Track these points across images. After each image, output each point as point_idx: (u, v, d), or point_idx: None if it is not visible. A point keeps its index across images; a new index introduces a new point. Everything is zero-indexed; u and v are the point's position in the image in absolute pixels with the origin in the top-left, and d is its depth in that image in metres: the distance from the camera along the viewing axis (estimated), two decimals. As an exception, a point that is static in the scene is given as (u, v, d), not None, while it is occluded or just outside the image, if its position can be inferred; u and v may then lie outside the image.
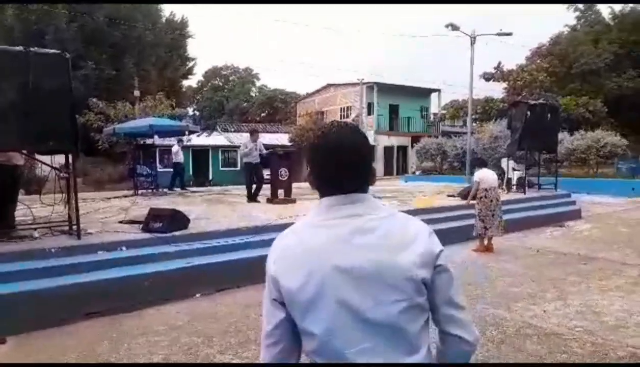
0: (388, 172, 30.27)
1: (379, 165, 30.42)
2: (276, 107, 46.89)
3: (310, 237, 1.12)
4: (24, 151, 5.72)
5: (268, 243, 4.72)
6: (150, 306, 4.71)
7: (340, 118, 33.36)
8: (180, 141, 14.92)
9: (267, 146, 10.14)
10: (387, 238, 1.09)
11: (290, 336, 1.14)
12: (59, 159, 5.66)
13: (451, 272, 1.15)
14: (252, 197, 9.81)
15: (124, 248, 5.28)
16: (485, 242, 7.34)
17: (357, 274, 1.06)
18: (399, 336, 1.08)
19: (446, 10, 69.99)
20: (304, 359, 1.18)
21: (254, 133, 10.08)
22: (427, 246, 1.11)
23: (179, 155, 14.33)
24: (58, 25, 23.89)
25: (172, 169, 14.53)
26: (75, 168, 5.56)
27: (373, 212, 1.13)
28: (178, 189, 13.84)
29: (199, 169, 25.26)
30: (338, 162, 1.13)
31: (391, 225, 1.12)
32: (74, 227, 5.38)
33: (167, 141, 20.39)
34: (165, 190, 13.05)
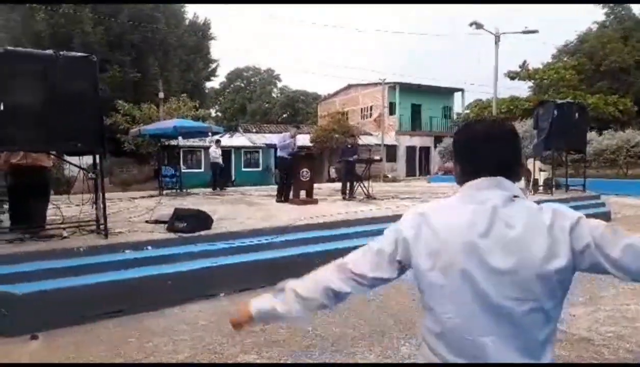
0: (410, 172, 30.04)
1: (400, 166, 30.22)
2: (297, 108, 47.09)
3: (455, 216, 1.17)
4: (53, 152, 5.87)
5: (291, 243, 4.78)
6: (174, 305, 4.76)
7: (362, 119, 33.27)
8: (218, 142, 15.36)
9: (283, 146, 10.18)
10: (522, 230, 1.11)
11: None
12: (87, 159, 5.78)
13: (589, 221, 1.17)
14: (282, 197, 9.85)
15: (149, 248, 5.36)
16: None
17: (493, 265, 1.10)
18: (524, 337, 1.10)
19: (470, 9, 69.07)
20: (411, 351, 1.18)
21: (294, 130, 10.57)
22: (555, 229, 1.11)
23: (216, 156, 14.80)
24: (84, 29, 24.44)
25: (211, 170, 15.12)
26: (103, 169, 5.67)
27: (512, 200, 1.17)
28: (227, 188, 14.31)
29: (222, 170, 25.51)
30: (488, 147, 1.22)
31: (527, 216, 1.14)
32: (102, 226, 5.48)
33: (190, 142, 20.70)
34: (186, 190, 13.23)
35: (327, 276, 1.33)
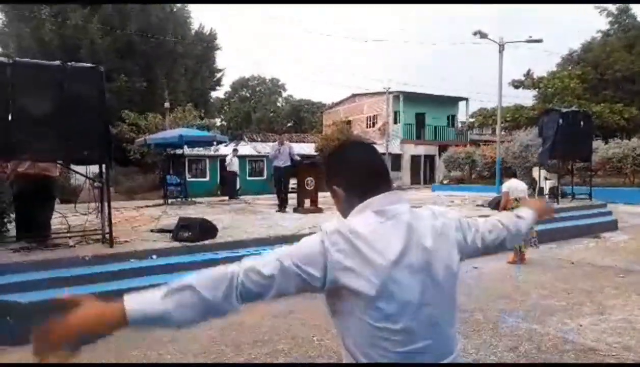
0: (415, 181, 30.01)
1: (405, 174, 30.19)
2: (302, 117, 47.29)
3: (381, 238, 1.16)
4: (60, 161, 5.92)
5: (297, 253, 4.58)
6: (179, 314, 4.75)
7: (367, 127, 33.36)
8: (235, 150, 15.48)
9: (274, 155, 10.21)
10: (434, 234, 1.23)
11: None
12: (93, 169, 5.82)
13: (459, 219, 1.37)
14: (281, 207, 9.88)
15: (154, 256, 5.38)
16: (518, 253, 7.14)
17: (424, 274, 1.18)
18: (449, 333, 1.25)
19: (474, 18, 69.32)
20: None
21: (281, 136, 10.66)
22: (449, 229, 1.29)
23: (233, 165, 14.86)
24: (92, 39, 24.73)
25: (227, 179, 15.63)
26: (109, 178, 5.71)
27: (415, 209, 1.28)
28: (241, 197, 14.51)
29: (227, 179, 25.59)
30: (376, 163, 1.31)
31: (432, 218, 1.28)
32: (107, 235, 5.50)
33: (195, 151, 20.80)
34: (191, 199, 13.26)
35: None
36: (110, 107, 16.43)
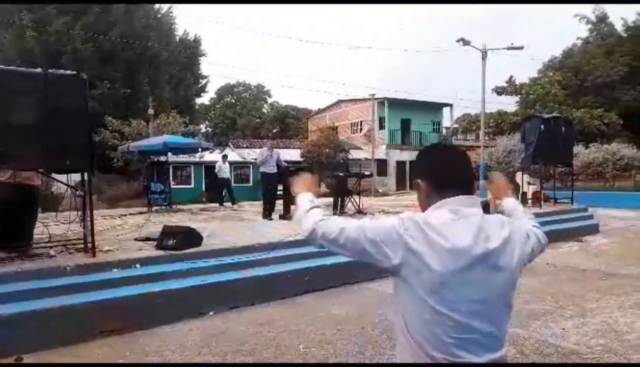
0: (400, 187, 30.15)
1: (391, 180, 30.35)
2: (288, 123, 47.27)
3: (451, 230, 1.28)
4: (41, 170, 5.82)
5: (282, 260, 4.77)
6: (164, 324, 4.71)
7: (352, 133, 33.48)
8: (225, 157, 15.42)
9: (262, 162, 10.17)
10: (500, 242, 1.33)
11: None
12: (75, 177, 5.74)
13: (528, 230, 1.60)
14: (267, 214, 9.85)
15: (138, 265, 5.30)
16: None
17: (484, 277, 1.28)
18: (499, 332, 1.34)
19: (457, 26, 70.23)
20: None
21: (269, 142, 10.49)
22: (517, 238, 1.41)
23: (224, 171, 14.78)
24: (75, 46, 24.45)
25: (219, 186, 15.48)
26: (91, 186, 5.63)
27: (491, 218, 1.38)
28: (228, 204, 14.37)
29: (212, 186, 25.43)
30: (461, 169, 1.43)
31: (500, 226, 1.37)
32: (89, 244, 5.42)
33: (180, 158, 20.64)
34: (176, 206, 13.13)
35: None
36: (93, 114, 16.24)
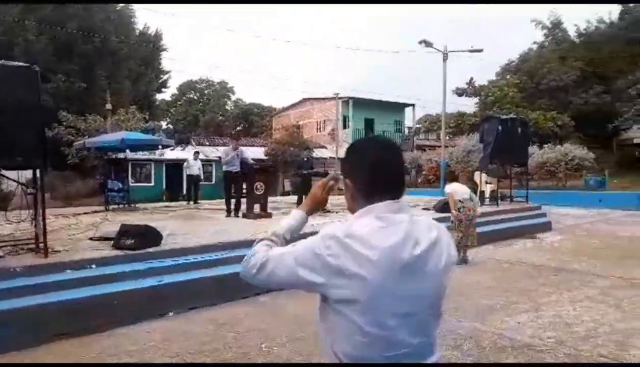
0: (364, 185, 30.39)
1: (354, 179, 30.54)
2: (252, 121, 46.84)
3: (376, 248, 1.17)
4: (-11, 166, 5.53)
5: (243, 259, 4.57)
6: (121, 326, 4.56)
7: (317, 131, 33.54)
8: (197, 153, 15.21)
9: (227, 161, 10.05)
10: (434, 253, 1.25)
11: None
12: (27, 173, 5.48)
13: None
14: (230, 212, 9.72)
15: (93, 266, 5.12)
16: (461, 253, 7.40)
17: (414, 289, 1.20)
18: (429, 342, 1.27)
19: (421, 28, 71.53)
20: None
21: (235, 141, 10.33)
22: (444, 242, 1.30)
23: (192, 168, 14.48)
24: (27, 38, 23.36)
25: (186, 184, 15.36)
26: (43, 183, 5.39)
27: (415, 221, 1.27)
28: (191, 203, 14.12)
29: (173, 184, 24.89)
30: (391, 170, 1.30)
31: (428, 230, 1.27)
32: (41, 244, 5.19)
33: (139, 155, 20.09)
34: (134, 205, 12.78)
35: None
36: (47, 108, 15.56)
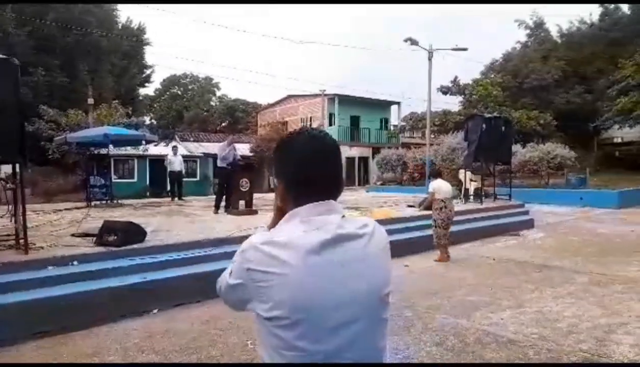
0: (350, 183, 30.49)
1: (340, 176, 30.61)
2: (237, 117, 46.53)
3: (298, 256, 1.05)
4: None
5: (229, 255, 4.59)
6: (103, 324, 4.49)
7: (302, 129, 33.44)
8: (175, 148, 15.01)
9: (224, 156, 10.01)
10: (366, 254, 1.12)
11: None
12: (6, 168, 5.36)
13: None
14: (219, 208, 9.65)
15: (75, 263, 5.03)
16: (445, 251, 7.47)
17: (341, 295, 1.06)
18: (376, 352, 1.13)
19: (407, 27, 71.83)
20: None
21: (231, 136, 10.48)
22: (389, 262, 1.18)
23: (173, 164, 14.27)
24: (5, 30, 22.86)
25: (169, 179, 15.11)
26: (23, 179, 5.28)
27: (346, 222, 1.13)
28: (176, 199, 13.96)
29: (156, 180, 24.61)
30: (320, 168, 1.15)
31: (365, 242, 1.13)
32: (21, 241, 5.09)
33: (122, 150, 19.82)
34: (117, 201, 12.61)
35: None
36: (26, 102, 15.24)
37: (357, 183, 30.65)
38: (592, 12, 32.26)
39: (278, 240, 1.07)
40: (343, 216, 1.15)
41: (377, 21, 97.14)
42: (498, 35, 66.00)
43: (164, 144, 25.76)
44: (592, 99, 29.84)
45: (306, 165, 1.14)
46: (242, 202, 9.59)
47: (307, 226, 1.09)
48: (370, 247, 1.13)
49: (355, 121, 32.47)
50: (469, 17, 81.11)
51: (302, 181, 1.14)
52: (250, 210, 9.48)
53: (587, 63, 31.01)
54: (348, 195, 16.91)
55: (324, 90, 29.69)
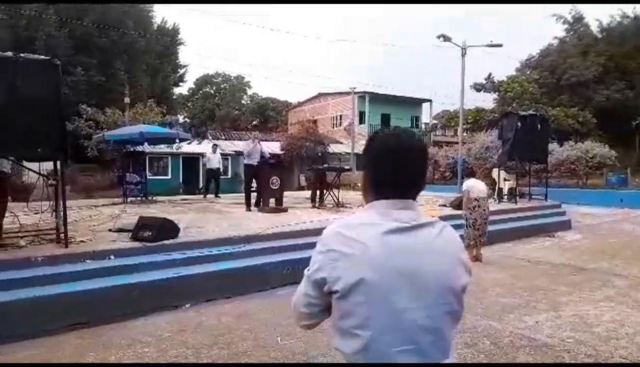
0: (379, 181, 30.29)
1: (370, 175, 30.46)
2: (268, 116, 46.95)
3: (371, 238, 1.15)
4: (12, 158, 5.63)
5: (259, 252, 4.71)
6: (138, 317, 4.63)
7: (333, 127, 33.47)
8: (215, 146, 15.33)
9: (249, 153, 10.10)
10: (435, 246, 1.19)
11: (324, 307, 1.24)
12: (47, 165, 5.57)
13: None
14: (250, 206, 9.75)
15: (112, 257, 5.19)
16: (474, 252, 7.29)
17: (411, 279, 1.14)
18: (440, 340, 1.17)
19: (439, 25, 70.70)
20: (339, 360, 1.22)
21: (254, 133, 10.67)
22: (465, 252, 1.27)
23: (211, 162, 14.63)
24: (47, 31, 23.75)
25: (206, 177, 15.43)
26: (64, 175, 5.48)
27: (421, 218, 1.22)
28: (211, 196, 14.21)
29: (189, 177, 25.11)
30: (403, 168, 1.23)
31: (436, 234, 1.21)
32: (62, 235, 5.28)
33: (157, 148, 20.31)
34: (152, 198, 12.92)
35: None
36: (67, 101, 15.82)
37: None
38: (637, 6, 30.77)
39: (353, 223, 1.20)
40: (418, 213, 1.23)
41: (408, 20, 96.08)
42: (534, 31, 64.03)
43: (197, 142, 26.28)
44: (634, 95, 28.60)
45: (390, 164, 1.22)
46: (272, 200, 9.67)
47: (382, 216, 1.19)
48: (440, 239, 1.20)
49: (385, 119, 32.22)
50: (502, 12, 79.21)
51: (384, 178, 1.23)
52: (280, 208, 9.55)
53: (629, 58, 29.70)
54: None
55: (354, 88, 29.56)
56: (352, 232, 1.16)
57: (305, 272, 1.26)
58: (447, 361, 1.19)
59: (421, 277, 1.14)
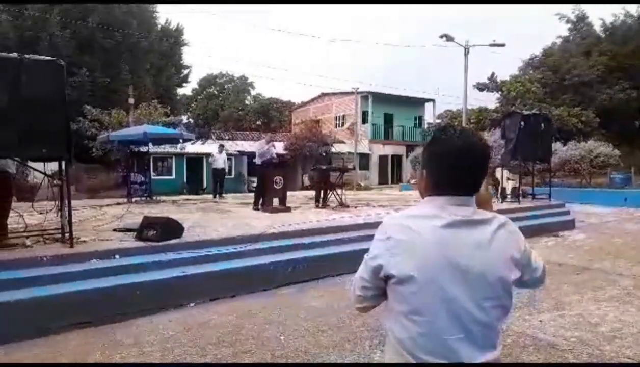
0: (382, 181, 30.33)
1: (373, 174, 30.49)
2: (271, 116, 46.99)
3: (428, 229, 1.22)
4: (17, 158, 5.67)
5: (264, 252, 4.74)
6: (143, 316, 4.65)
7: (336, 127, 33.48)
8: (221, 146, 15.34)
9: (262, 154, 10.17)
10: (488, 241, 1.23)
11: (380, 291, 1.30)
12: (52, 165, 5.60)
13: (527, 246, 1.36)
14: (258, 205, 9.78)
15: (117, 256, 5.22)
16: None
17: (463, 271, 1.19)
18: (489, 331, 1.23)
19: (441, 23, 70.59)
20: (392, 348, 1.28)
21: (269, 135, 11.09)
22: (519, 248, 1.30)
23: (217, 162, 14.62)
24: (52, 32, 23.85)
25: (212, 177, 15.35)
26: (69, 175, 5.51)
27: (478, 215, 1.27)
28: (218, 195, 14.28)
29: (193, 177, 25.18)
30: (461, 166, 1.27)
31: (492, 230, 1.25)
32: (67, 235, 5.31)
33: (161, 148, 20.38)
34: (156, 198, 12.97)
35: None
36: (71, 102, 15.92)
37: (390, 181, 30.42)
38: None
39: (412, 214, 1.28)
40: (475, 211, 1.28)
41: (411, 20, 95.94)
42: (536, 30, 63.86)
43: (201, 142, 26.32)
44: (638, 94, 28.47)
45: (449, 162, 1.27)
46: (275, 200, 9.69)
47: (441, 210, 1.24)
48: (494, 236, 1.24)
49: (388, 119, 32.21)
50: (505, 12, 78.98)
51: (447, 177, 1.28)
52: (284, 207, 9.57)
53: (633, 57, 29.55)
54: (376, 193, 16.80)
55: (357, 88, 29.56)
56: (411, 222, 1.24)
57: (365, 257, 1.32)
58: (495, 352, 1.25)
59: (473, 270, 1.19)
